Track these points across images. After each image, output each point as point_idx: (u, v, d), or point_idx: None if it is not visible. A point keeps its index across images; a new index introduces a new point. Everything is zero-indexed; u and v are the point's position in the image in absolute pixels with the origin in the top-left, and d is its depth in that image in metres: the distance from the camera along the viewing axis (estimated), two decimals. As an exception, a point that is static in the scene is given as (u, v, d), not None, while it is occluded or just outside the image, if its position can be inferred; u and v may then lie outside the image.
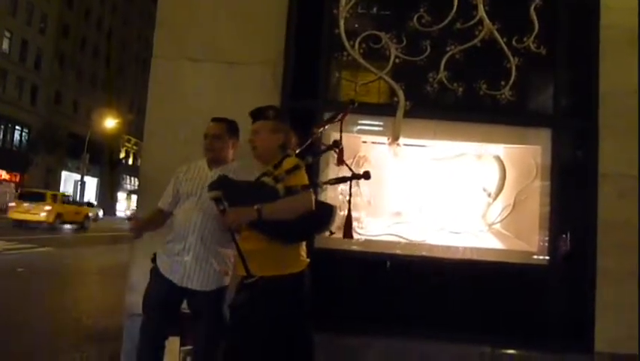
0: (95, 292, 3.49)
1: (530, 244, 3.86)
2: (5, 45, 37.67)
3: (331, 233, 2.70)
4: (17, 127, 38.81)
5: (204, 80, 3.83)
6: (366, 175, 2.54)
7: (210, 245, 2.90)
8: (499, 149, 3.99)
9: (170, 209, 3.09)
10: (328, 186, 3.68)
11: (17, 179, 37.72)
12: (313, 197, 2.48)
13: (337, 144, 2.71)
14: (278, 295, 2.44)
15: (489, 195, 3.93)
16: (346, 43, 3.87)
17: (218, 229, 2.86)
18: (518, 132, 3.98)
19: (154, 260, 3.02)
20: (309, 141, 2.87)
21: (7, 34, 37.64)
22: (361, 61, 3.88)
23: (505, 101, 3.85)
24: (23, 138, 39.80)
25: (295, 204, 2.42)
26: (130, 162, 55.82)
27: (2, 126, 37.02)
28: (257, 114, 2.71)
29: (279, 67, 3.81)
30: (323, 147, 2.90)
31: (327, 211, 2.58)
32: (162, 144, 3.85)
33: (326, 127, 3.02)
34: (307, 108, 3.84)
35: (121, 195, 52.52)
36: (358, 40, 3.88)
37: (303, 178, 2.51)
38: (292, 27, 3.88)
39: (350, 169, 2.63)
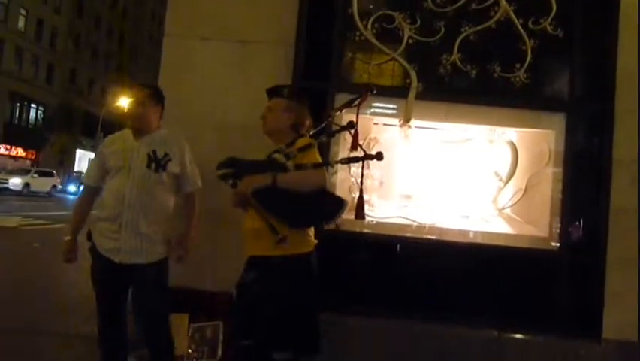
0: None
1: (541, 229, 3.83)
2: (21, 23, 37.82)
3: (337, 226, 2.68)
4: (33, 105, 39.09)
5: (215, 59, 3.82)
6: (379, 156, 2.51)
7: (147, 218, 2.82)
8: (512, 133, 3.95)
9: (98, 184, 2.96)
10: (340, 167, 3.71)
11: (33, 157, 38.21)
12: (326, 175, 2.49)
13: (352, 125, 2.69)
14: (285, 275, 2.44)
15: (500, 179, 3.91)
16: (359, 24, 3.82)
17: (152, 199, 2.84)
18: (532, 116, 3.93)
19: (90, 238, 2.90)
20: (324, 124, 2.86)
21: (23, 12, 37.75)
22: (374, 41, 3.84)
23: (520, 84, 3.80)
24: (39, 116, 40.12)
25: (309, 178, 2.43)
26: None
27: (18, 104, 37.33)
28: (272, 91, 2.71)
29: (291, 47, 3.79)
30: (337, 128, 2.88)
31: (336, 203, 2.54)
32: (173, 123, 3.85)
33: (342, 110, 2.98)
34: (319, 89, 3.81)
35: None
36: (371, 20, 3.83)
37: (314, 157, 2.51)
38: (305, 6, 3.84)
39: (363, 150, 2.61)
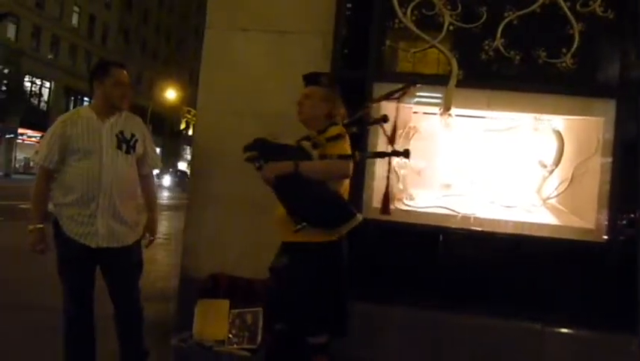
0: (153, 256, 3.66)
1: (587, 220, 3.68)
2: (75, 20, 39.41)
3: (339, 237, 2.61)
4: (85, 99, 40.58)
5: (255, 50, 3.86)
6: (406, 153, 2.49)
7: (121, 201, 2.78)
8: (558, 120, 3.81)
9: (57, 167, 2.77)
10: (374, 159, 3.67)
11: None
12: (351, 166, 2.47)
13: (385, 119, 2.67)
14: (312, 261, 2.48)
15: (545, 168, 3.79)
16: (398, 11, 3.76)
17: (124, 181, 2.80)
18: (580, 103, 3.77)
19: (56, 225, 2.78)
20: (360, 114, 2.83)
21: (76, 9, 39.28)
22: (414, 29, 3.77)
23: (567, 70, 3.66)
24: (91, 109, 41.57)
25: (331, 168, 2.44)
26: (190, 132, 57.41)
27: (72, 98, 38.84)
28: (310, 79, 2.72)
29: (329, 36, 3.78)
30: (371, 120, 2.86)
31: (346, 214, 2.48)
32: (214, 115, 3.94)
33: (381, 102, 2.95)
34: (357, 78, 3.80)
35: (181, 165, 54.26)
36: (411, 7, 3.76)
37: (341, 148, 2.50)
38: (343, -5, 3.82)
39: (392, 146, 2.57)
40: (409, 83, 2.72)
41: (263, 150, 2.52)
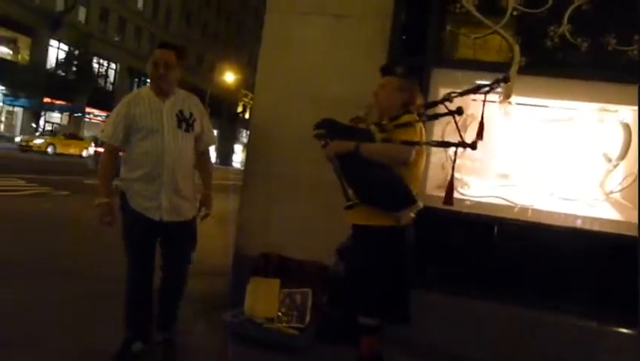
0: (207, 234, 3.81)
1: (653, 217, 3.51)
2: (140, 4, 40.72)
3: (397, 221, 2.62)
4: (147, 80, 41.94)
5: (313, 34, 3.89)
6: (473, 145, 2.45)
7: (182, 177, 2.92)
8: (627, 111, 3.62)
9: (122, 145, 2.93)
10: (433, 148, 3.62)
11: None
12: (412, 153, 2.47)
13: (460, 111, 2.64)
14: (373, 244, 2.52)
15: (609, 161, 3.62)
16: (460, -5, 3.69)
17: (184, 159, 2.92)
18: (651, 94, 3.58)
19: (122, 197, 2.93)
20: (437, 104, 2.81)
21: (142, -8, 40.61)
22: (475, 14, 3.68)
23: (638, 58, 3.47)
24: (153, 90, 43.02)
25: (391, 151, 2.47)
26: (247, 115, 58.38)
27: (136, 79, 40.28)
28: (386, 69, 2.80)
29: (388, 20, 3.74)
30: (444, 111, 2.84)
31: (407, 198, 2.51)
32: (271, 98, 4.01)
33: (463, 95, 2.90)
34: (416, 64, 3.75)
35: (237, 148, 55.37)
36: (473, -9, 3.67)
37: (408, 135, 2.51)
38: (403, -22, 3.77)
39: (461, 137, 2.54)
40: (500, 79, 2.67)
41: (330, 129, 2.61)
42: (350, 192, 2.47)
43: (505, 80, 2.64)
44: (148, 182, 2.87)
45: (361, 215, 2.51)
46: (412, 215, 2.57)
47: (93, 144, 25.64)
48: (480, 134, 2.57)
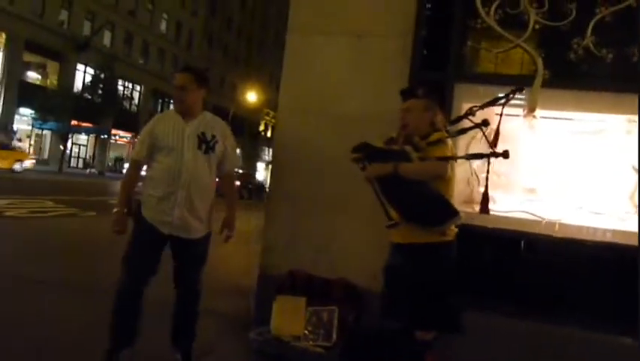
0: (230, 253, 3.82)
1: (686, 230, 3.42)
2: (163, 27, 41.76)
3: (442, 234, 2.69)
4: (172, 101, 42.81)
5: (334, 53, 3.92)
6: (505, 154, 2.50)
7: (198, 197, 2.98)
8: (655, 123, 3.56)
9: (146, 161, 3.07)
10: (462, 160, 3.61)
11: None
12: (448, 167, 2.57)
13: (486, 123, 2.69)
14: (424, 262, 2.61)
15: (638, 173, 3.55)
16: (481, 10, 3.68)
17: (201, 179, 2.99)
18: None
19: (139, 207, 3.03)
20: (461, 119, 2.87)
21: (165, 16, 41.59)
22: (497, 28, 3.68)
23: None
24: (177, 111, 43.82)
25: (428, 168, 2.57)
26: (269, 134, 58.82)
27: (160, 100, 41.07)
28: (407, 93, 2.86)
29: (409, 37, 3.76)
30: (471, 125, 2.88)
31: (450, 211, 2.62)
32: (294, 118, 4.04)
33: (484, 108, 2.94)
34: (438, 80, 3.75)
35: (260, 165, 55.71)
36: (494, 6, 3.66)
37: (441, 151, 2.60)
38: (424, -4, 3.79)
39: (491, 147, 2.60)
40: (514, 89, 2.74)
41: (367, 153, 2.69)
42: (391, 211, 2.53)
43: (520, 89, 2.71)
44: (164, 197, 2.96)
45: (404, 234, 2.61)
46: (455, 228, 2.61)
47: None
48: (495, 142, 2.62)
